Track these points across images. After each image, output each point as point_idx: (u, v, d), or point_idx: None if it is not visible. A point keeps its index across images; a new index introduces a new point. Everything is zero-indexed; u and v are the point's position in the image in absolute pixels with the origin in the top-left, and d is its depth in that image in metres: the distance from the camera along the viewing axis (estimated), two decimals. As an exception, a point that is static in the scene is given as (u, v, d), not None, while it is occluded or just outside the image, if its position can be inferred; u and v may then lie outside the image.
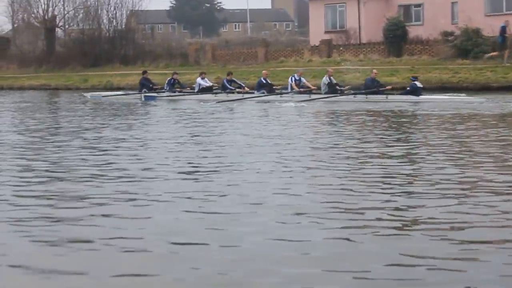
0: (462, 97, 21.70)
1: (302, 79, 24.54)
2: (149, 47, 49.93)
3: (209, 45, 48.46)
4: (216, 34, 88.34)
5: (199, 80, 26.05)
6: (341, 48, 40.05)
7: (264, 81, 25.31)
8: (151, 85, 27.06)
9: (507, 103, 20.12)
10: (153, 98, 24.95)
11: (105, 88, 38.22)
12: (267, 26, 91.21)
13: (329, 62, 36.58)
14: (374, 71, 23.64)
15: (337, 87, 23.67)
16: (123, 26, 51.40)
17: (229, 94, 24.85)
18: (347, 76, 27.72)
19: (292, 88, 23.95)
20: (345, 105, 21.09)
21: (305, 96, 23.01)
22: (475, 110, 18.29)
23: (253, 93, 24.84)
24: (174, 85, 26.94)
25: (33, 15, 55.16)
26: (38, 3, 53.73)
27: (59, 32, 55.44)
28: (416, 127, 15.16)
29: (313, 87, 24.22)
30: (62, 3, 53.99)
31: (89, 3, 52.75)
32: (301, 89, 23.94)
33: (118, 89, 36.29)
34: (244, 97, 24.06)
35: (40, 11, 53.70)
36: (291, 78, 24.34)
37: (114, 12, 51.05)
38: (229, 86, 25.38)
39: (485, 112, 17.39)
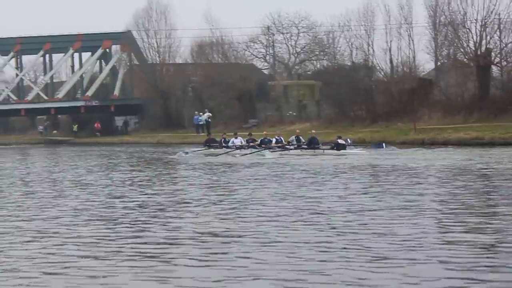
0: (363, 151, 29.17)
1: (281, 138, 33.05)
2: None
3: None
4: None
5: (233, 140, 33.05)
6: None
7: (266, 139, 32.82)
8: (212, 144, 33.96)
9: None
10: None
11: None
12: None
13: None
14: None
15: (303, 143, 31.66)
16: None
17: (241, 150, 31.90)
18: None
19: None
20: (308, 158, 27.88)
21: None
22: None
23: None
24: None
25: (461, 50, 44.65)
26: (468, 35, 43.15)
27: (494, 70, 44.32)
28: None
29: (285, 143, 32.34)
30: (498, 34, 42.54)
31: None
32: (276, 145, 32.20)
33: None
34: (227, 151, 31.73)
35: (471, 45, 43.19)
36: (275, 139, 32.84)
37: None
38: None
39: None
